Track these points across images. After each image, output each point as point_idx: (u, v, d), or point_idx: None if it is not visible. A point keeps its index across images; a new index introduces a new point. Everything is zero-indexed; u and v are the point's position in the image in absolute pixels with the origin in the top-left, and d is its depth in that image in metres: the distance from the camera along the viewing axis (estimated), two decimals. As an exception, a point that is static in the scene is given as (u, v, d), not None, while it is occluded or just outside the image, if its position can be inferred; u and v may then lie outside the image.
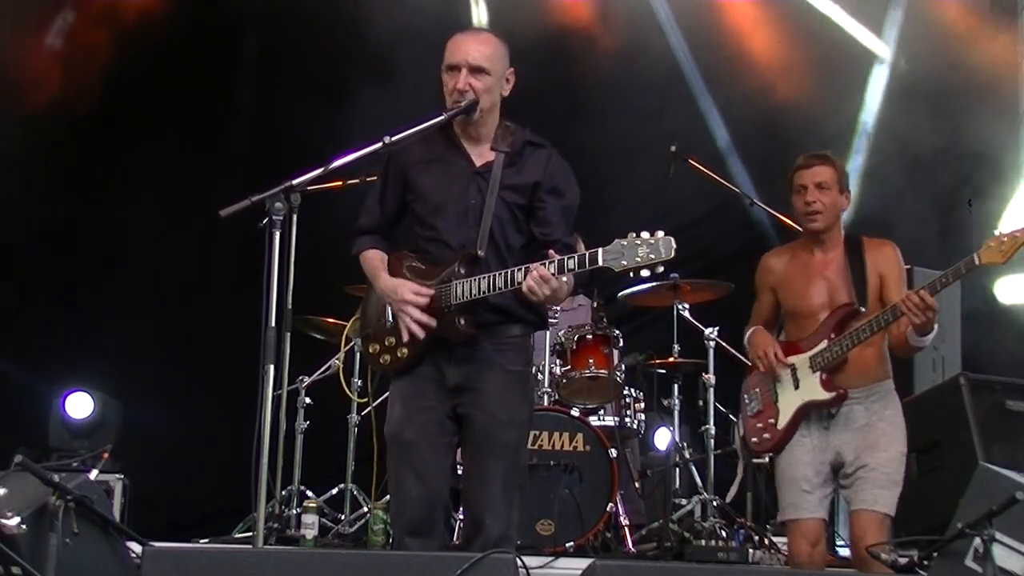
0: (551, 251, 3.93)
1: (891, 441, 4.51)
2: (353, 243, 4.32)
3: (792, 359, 4.62)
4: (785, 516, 4.63)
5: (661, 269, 3.78)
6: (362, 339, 4.31)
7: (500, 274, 3.97)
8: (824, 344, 4.54)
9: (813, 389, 4.55)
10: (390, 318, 4.15)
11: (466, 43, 4.14)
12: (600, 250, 3.82)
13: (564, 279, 3.92)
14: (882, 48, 8.20)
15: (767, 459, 4.87)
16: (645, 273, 3.78)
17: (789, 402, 4.62)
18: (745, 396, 4.82)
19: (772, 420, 4.66)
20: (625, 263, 3.77)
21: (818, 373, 4.54)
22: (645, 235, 3.78)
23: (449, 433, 4.11)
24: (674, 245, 3.76)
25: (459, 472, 4.38)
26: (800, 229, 5.91)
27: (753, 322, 4.84)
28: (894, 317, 4.37)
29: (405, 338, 4.07)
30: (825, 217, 4.62)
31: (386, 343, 4.17)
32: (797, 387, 4.60)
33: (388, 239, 4.30)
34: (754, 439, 4.73)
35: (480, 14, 8.18)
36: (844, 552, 5.67)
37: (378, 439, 4.26)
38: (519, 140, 4.18)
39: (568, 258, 3.87)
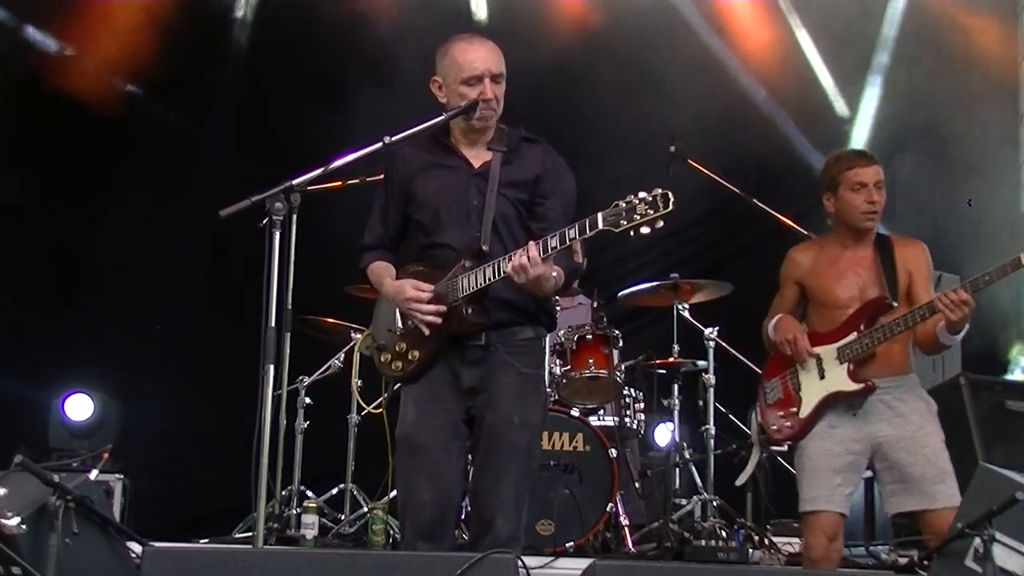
0: (546, 230, 3.94)
1: (928, 433, 4.48)
2: (360, 259, 4.32)
3: (817, 349, 4.59)
4: (807, 507, 4.57)
5: (661, 224, 3.77)
6: (375, 351, 4.30)
7: (504, 259, 3.97)
8: (853, 336, 4.51)
9: (840, 380, 4.52)
10: (399, 324, 4.15)
11: (479, 51, 4.14)
12: (600, 214, 3.82)
13: (554, 273, 3.93)
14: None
15: (786, 447, 4.84)
16: (645, 230, 3.77)
17: (813, 392, 4.59)
18: (765, 385, 4.79)
19: (794, 409, 4.63)
20: (625, 223, 3.77)
21: (845, 364, 4.52)
22: (643, 193, 3.79)
23: (462, 437, 4.11)
24: (672, 198, 3.75)
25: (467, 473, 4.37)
26: (799, 229, 5.96)
27: (774, 313, 4.80)
28: (930, 313, 4.36)
29: (426, 332, 4.06)
30: (879, 216, 4.62)
31: (396, 349, 4.17)
32: (822, 377, 4.57)
33: (394, 253, 4.30)
34: (774, 427, 4.70)
35: (479, 13, 8.16)
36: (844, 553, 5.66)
37: (391, 439, 4.23)
38: (515, 138, 4.20)
39: (569, 228, 3.87)
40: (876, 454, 4.52)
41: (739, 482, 5.53)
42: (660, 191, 3.77)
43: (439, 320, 4.03)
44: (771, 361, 4.82)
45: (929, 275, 4.59)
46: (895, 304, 4.48)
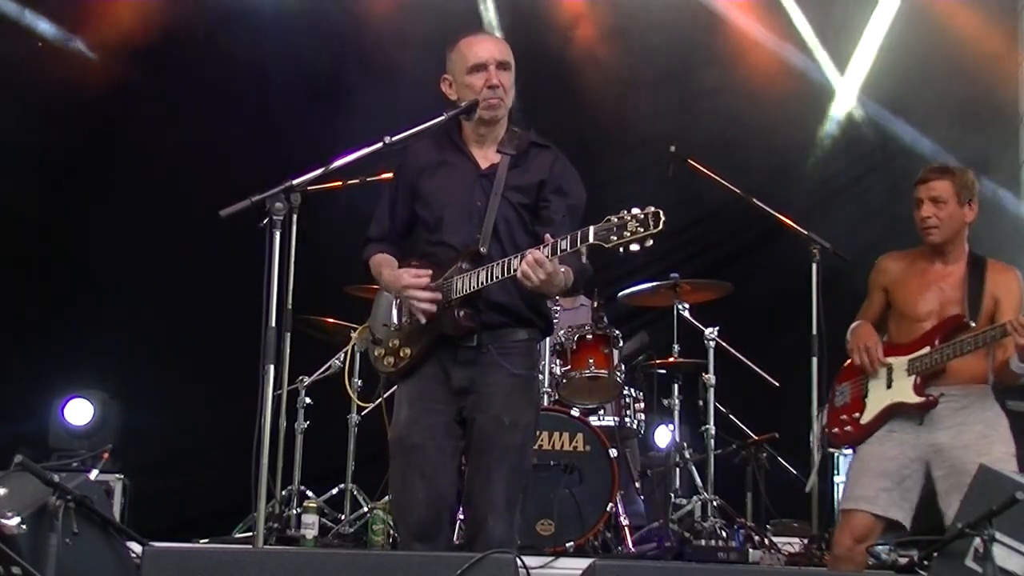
0: (546, 236, 3.92)
1: (992, 442, 4.44)
2: (363, 250, 4.31)
3: (891, 359, 4.59)
4: (842, 504, 4.59)
5: (651, 242, 3.75)
6: (370, 345, 4.30)
7: (498, 263, 3.96)
8: (926, 350, 4.51)
9: (904, 391, 4.53)
10: (395, 320, 4.15)
11: (485, 42, 4.18)
12: (591, 227, 3.80)
13: (563, 269, 3.92)
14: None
15: (842, 449, 4.80)
16: (635, 247, 3.75)
17: (877, 400, 4.61)
18: (836, 388, 4.82)
19: (857, 414, 4.65)
20: (615, 239, 3.76)
21: (913, 376, 4.52)
22: (636, 211, 3.77)
23: (456, 436, 4.10)
24: (663, 218, 3.73)
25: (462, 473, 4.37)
26: (799, 229, 5.95)
27: (858, 319, 4.80)
28: (1002, 335, 4.33)
29: (423, 320, 4.05)
30: (942, 231, 4.58)
31: (390, 345, 4.17)
32: (889, 386, 4.58)
33: (398, 248, 4.29)
34: (835, 430, 4.73)
35: (488, 15, 8.14)
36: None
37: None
38: (524, 142, 4.19)
39: (561, 239, 3.85)
40: (934, 462, 4.48)
41: (808, 489, 5.50)
42: (652, 209, 3.75)
43: (433, 308, 4.03)
44: (848, 365, 4.81)
45: (1019, 303, 4.53)
46: (973, 324, 4.47)
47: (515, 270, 3.89)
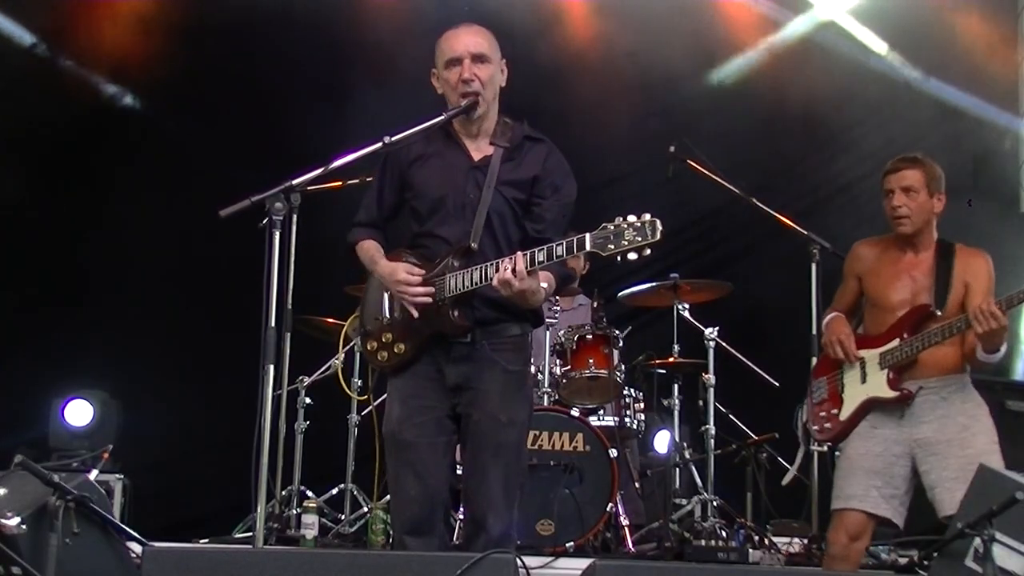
0: (534, 235, 3.95)
1: (973, 434, 4.44)
2: (349, 233, 4.32)
3: (863, 353, 4.62)
4: (834, 504, 4.59)
5: (648, 252, 3.75)
6: (360, 337, 4.30)
7: (492, 264, 3.95)
8: (896, 343, 4.53)
9: (879, 386, 4.55)
10: (387, 313, 4.15)
11: (462, 36, 4.17)
12: (588, 235, 3.79)
13: (545, 286, 3.93)
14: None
15: (826, 448, 4.82)
16: (632, 256, 3.75)
17: (854, 395, 4.63)
18: (813, 383, 4.83)
19: (835, 411, 4.67)
20: (612, 247, 3.74)
21: (886, 370, 4.54)
22: (632, 218, 3.75)
23: (449, 432, 4.10)
24: (660, 227, 3.72)
25: (458, 471, 4.38)
26: (799, 229, 5.97)
27: (833, 307, 4.83)
28: (966, 325, 4.35)
29: (415, 314, 4.05)
30: (913, 221, 4.60)
31: (383, 339, 4.16)
32: (864, 381, 4.60)
33: (384, 234, 4.29)
34: (815, 427, 4.76)
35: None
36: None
37: (379, 438, 4.24)
38: (518, 135, 4.19)
39: (556, 244, 3.84)
40: (918, 456, 4.50)
41: (785, 482, 5.54)
42: (648, 217, 3.73)
43: (428, 300, 4.02)
44: (821, 360, 4.85)
45: (989, 288, 4.55)
46: (939, 313, 4.48)
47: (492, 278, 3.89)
